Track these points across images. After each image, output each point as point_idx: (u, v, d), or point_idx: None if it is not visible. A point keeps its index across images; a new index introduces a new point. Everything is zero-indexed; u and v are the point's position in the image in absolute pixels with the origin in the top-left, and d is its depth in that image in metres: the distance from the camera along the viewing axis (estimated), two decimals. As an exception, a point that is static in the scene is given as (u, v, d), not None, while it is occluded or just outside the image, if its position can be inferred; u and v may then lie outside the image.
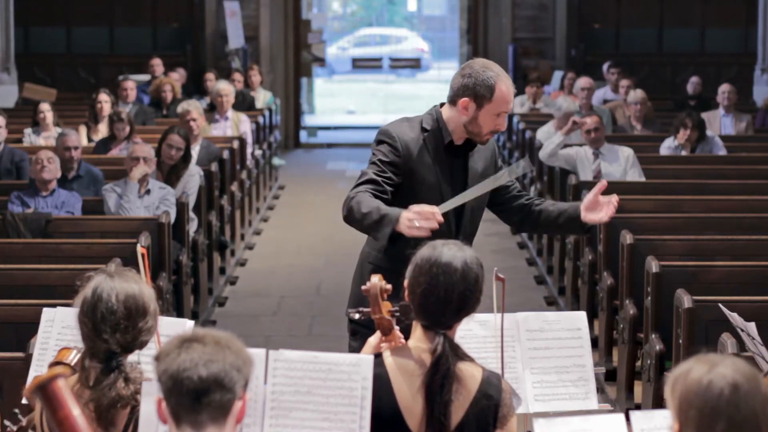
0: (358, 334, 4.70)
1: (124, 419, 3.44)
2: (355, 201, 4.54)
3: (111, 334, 3.45)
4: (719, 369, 2.59)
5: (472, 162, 4.84)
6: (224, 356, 2.68)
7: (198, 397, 2.66)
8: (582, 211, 4.76)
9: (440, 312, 3.47)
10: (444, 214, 4.45)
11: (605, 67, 15.65)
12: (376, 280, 3.66)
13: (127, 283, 3.52)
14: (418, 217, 4.34)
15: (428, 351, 3.46)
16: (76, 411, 2.54)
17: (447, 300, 3.46)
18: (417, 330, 3.53)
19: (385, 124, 4.90)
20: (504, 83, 4.74)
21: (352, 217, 4.55)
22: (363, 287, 3.68)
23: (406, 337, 3.65)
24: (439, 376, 3.42)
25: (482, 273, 3.53)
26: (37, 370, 4.28)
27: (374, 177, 4.65)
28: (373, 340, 3.77)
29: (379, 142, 4.78)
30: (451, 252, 3.49)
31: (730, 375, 2.58)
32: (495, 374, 3.52)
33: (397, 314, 3.59)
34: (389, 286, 3.66)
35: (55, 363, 3.77)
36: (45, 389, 2.54)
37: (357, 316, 3.76)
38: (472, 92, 4.71)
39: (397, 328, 3.68)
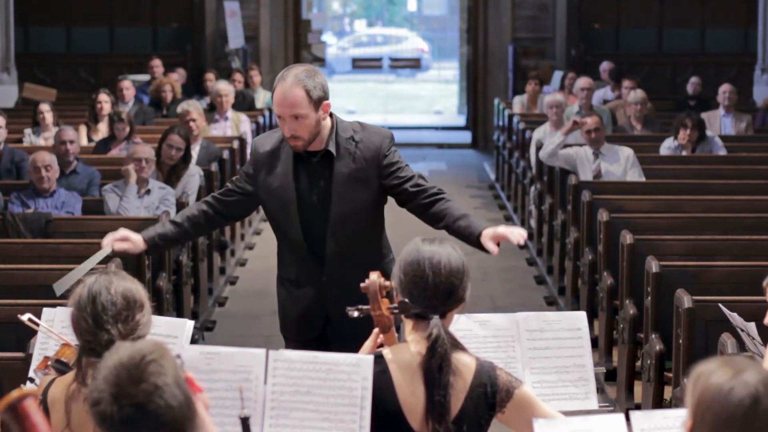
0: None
1: None
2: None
3: (113, 324, 3.48)
4: (743, 377, 2.56)
5: (338, 166, 4.83)
6: (159, 392, 2.56)
7: None
8: (483, 239, 4.62)
9: (431, 295, 3.52)
10: (308, 221, 4.81)
11: (603, 66, 15.64)
12: (375, 278, 3.69)
13: (121, 280, 3.57)
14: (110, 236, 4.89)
15: (425, 339, 3.49)
16: (46, 431, 2.53)
17: (436, 283, 3.52)
18: (411, 328, 3.55)
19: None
20: (280, 87, 4.74)
21: None
22: (362, 285, 3.71)
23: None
24: (437, 359, 3.46)
25: (466, 263, 3.60)
26: (38, 370, 4.28)
27: (227, 185, 5.06)
28: (369, 341, 3.80)
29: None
30: (432, 247, 3.58)
31: (753, 385, 2.54)
32: (488, 362, 3.58)
33: (396, 311, 3.61)
34: (388, 283, 3.69)
35: (56, 360, 3.78)
36: (15, 409, 2.52)
37: (356, 313, 3.77)
38: None
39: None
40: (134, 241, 4.87)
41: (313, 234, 4.84)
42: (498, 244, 4.62)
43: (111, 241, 4.84)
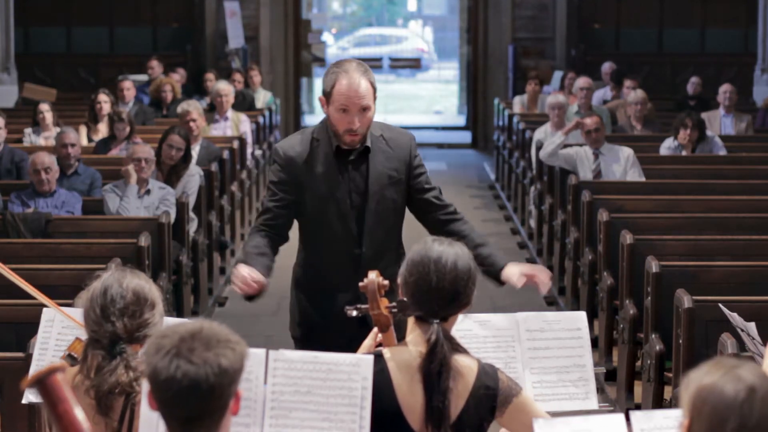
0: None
1: (120, 407, 3.47)
2: (246, 241, 4.94)
3: (119, 317, 3.50)
4: (738, 372, 2.59)
5: (374, 163, 4.80)
6: (215, 369, 2.63)
7: (189, 420, 2.65)
8: (505, 275, 4.60)
9: (433, 301, 3.50)
10: (346, 220, 4.73)
11: (605, 68, 15.64)
12: (373, 277, 3.69)
13: (136, 278, 3.60)
14: (238, 282, 4.61)
15: (425, 342, 3.48)
16: (75, 405, 2.53)
17: (439, 288, 3.49)
18: (413, 328, 3.55)
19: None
20: (345, 78, 4.67)
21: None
22: (360, 284, 3.70)
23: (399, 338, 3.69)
24: (436, 364, 3.45)
25: (474, 266, 3.58)
26: (37, 369, 4.28)
27: (267, 205, 4.89)
28: (369, 340, 3.80)
29: (272, 162, 4.95)
30: (442, 247, 3.56)
31: (749, 379, 2.58)
32: (490, 365, 3.57)
33: (395, 310, 3.61)
34: (386, 282, 3.69)
35: (68, 355, 3.79)
36: (43, 383, 2.52)
37: (354, 313, 3.77)
38: (323, 90, 4.79)
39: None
40: (262, 283, 4.67)
41: (352, 233, 4.79)
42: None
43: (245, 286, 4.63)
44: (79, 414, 2.51)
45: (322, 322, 4.85)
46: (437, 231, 4.78)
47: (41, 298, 4.25)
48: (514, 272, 4.60)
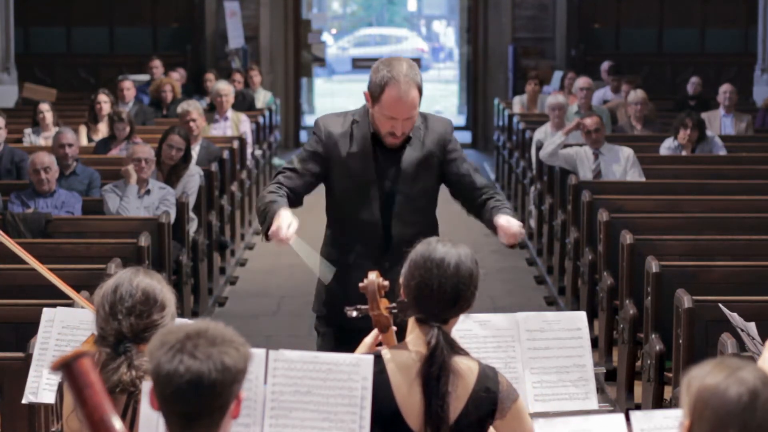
0: (319, 333, 4.91)
1: (122, 405, 3.47)
2: (261, 196, 4.79)
3: (126, 315, 3.50)
4: (740, 374, 2.58)
5: (409, 150, 4.82)
6: (218, 365, 2.63)
7: (189, 417, 2.65)
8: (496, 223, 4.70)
9: (434, 304, 3.49)
10: (375, 202, 4.75)
11: (603, 66, 15.64)
12: (373, 277, 3.68)
13: (147, 277, 3.59)
14: (274, 235, 4.54)
15: (424, 344, 3.48)
16: (102, 391, 2.51)
17: (440, 292, 3.48)
18: (413, 328, 3.55)
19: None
20: (395, 89, 4.65)
21: (257, 211, 4.77)
22: (360, 284, 3.70)
23: (401, 337, 3.68)
24: (435, 368, 3.45)
25: (477, 269, 3.57)
26: (37, 369, 4.29)
27: (294, 165, 4.86)
28: (369, 339, 3.79)
29: (311, 134, 4.95)
30: (445, 248, 3.54)
31: (751, 381, 2.56)
32: (491, 367, 3.56)
33: (395, 311, 3.60)
34: (386, 283, 3.68)
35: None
36: (70, 367, 2.49)
37: (354, 313, 3.77)
38: (369, 87, 4.76)
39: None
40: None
41: (383, 215, 4.80)
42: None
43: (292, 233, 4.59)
44: (105, 399, 2.49)
45: (346, 302, 4.84)
46: (469, 211, 4.90)
47: (63, 286, 4.23)
48: (501, 224, 4.66)
